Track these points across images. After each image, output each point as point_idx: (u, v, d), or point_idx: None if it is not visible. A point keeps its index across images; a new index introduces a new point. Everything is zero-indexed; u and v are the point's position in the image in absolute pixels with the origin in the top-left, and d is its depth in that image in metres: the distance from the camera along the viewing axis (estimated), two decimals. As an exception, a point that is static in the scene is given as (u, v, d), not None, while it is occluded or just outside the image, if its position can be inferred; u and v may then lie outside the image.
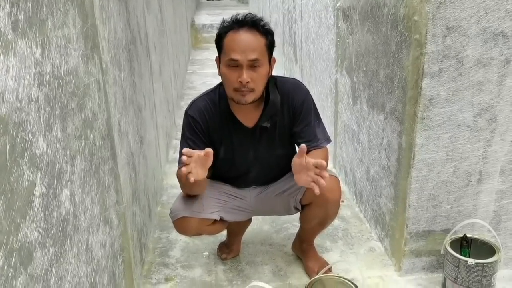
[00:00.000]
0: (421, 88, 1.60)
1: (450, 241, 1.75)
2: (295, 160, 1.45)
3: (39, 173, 0.91)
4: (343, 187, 1.77)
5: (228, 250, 2.05)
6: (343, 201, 1.75)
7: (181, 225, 1.70)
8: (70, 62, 1.12)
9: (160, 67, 3.02)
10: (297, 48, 3.95)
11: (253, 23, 1.53)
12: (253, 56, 1.50)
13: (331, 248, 2.11)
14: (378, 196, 2.10)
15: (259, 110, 1.66)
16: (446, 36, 1.54)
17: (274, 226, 2.29)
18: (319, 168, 1.39)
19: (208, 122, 1.66)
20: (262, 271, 1.96)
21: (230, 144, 1.71)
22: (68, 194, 1.07)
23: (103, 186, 1.37)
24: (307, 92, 1.70)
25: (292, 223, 2.26)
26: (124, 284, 1.58)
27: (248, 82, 1.51)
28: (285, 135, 1.72)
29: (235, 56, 1.50)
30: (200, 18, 8.48)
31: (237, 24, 1.54)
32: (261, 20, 1.56)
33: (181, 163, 1.66)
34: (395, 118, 1.85)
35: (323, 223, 1.80)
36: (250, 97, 1.55)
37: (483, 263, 1.63)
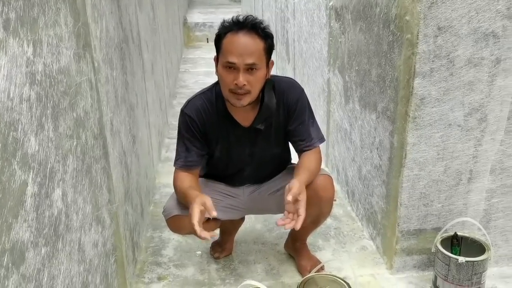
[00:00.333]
0: (412, 88, 1.62)
1: (441, 239, 1.76)
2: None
3: (31, 173, 0.90)
4: (335, 186, 1.78)
5: (220, 249, 2.05)
6: (335, 200, 1.76)
7: (174, 223, 1.70)
8: (62, 61, 1.11)
9: (153, 65, 3.01)
10: (290, 47, 3.96)
11: (253, 26, 1.52)
12: (250, 60, 1.49)
13: (323, 246, 2.12)
14: (370, 195, 2.11)
15: (255, 111, 1.67)
16: (437, 36, 1.55)
17: (267, 225, 2.30)
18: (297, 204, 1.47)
19: (205, 121, 1.66)
20: (255, 270, 1.97)
21: (226, 143, 1.71)
22: (60, 193, 1.06)
23: (96, 185, 1.37)
24: (301, 91, 1.71)
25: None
26: (117, 284, 1.57)
27: (244, 84, 1.51)
28: (280, 134, 1.73)
29: (232, 59, 1.50)
30: (192, 17, 8.45)
31: (237, 25, 1.53)
32: (261, 23, 1.55)
33: (178, 163, 1.66)
34: (387, 117, 1.86)
35: (316, 222, 1.81)
36: (246, 100, 1.55)
37: (473, 261, 1.65)
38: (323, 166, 1.91)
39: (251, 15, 1.58)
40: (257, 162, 1.77)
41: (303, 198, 1.47)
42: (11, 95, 0.83)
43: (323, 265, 1.87)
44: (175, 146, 1.72)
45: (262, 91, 1.63)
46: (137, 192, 2.09)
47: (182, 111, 1.69)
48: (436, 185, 1.76)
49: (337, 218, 2.35)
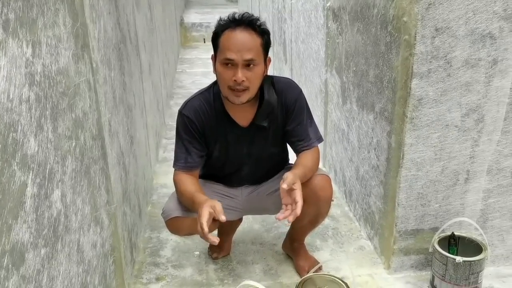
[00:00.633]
0: (410, 89, 1.62)
1: (438, 239, 1.77)
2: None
3: (31, 174, 0.90)
4: (333, 186, 1.79)
5: (219, 250, 2.05)
6: (333, 200, 1.77)
7: (173, 225, 1.70)
8: (60, 61, 1.11)
9: (150, 66, 3.01)
10: (287, 47, 3.96)
11: (250, 23, 1.53)
12: (248, 56, 1.50)
13: (321, 247, 2.13)
14: (368, 195, 2.12)
15: (253, 109, 1.67)
16: (435, 37, 1.56)
17: (265, 225, 2.30)
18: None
19: (203, 121, 1.66)
20: (253, 270, 1.97)
21: (224, 143, 1.71)
22: (59, 194, 1.06)
23: (94, 186, 1.37)
24: (300, 91, 1.71)
25: (282, 222, 2.27)
26: (115, 284, 1.57)
27: (243, 80, 1.51)
28: (278, 134, 1.73)
29: (231, 55, 1.50)
30: (189, 17, 8.44)
31: (233, 23, 1.53)
32: (257, 19, 1.56)
33: (179, 165, 1.66)
34: (384, 118, 1.86)
35: (314, 222, 1.82)
36: (245, 97, 1.55)
37: (470, 261, 1.66)
38: (320, 166, 1.91)
39: (247, 13, 1.59)
40: (254, 161, 1.77)
41: (298, 186, 1.48)
42: (11, 96, 0.83)
43: (321, 265, 1.88)
44: (172, 147, 1.72)
45: (261, 89, 1.63)
46: (135, 193, 2.09)
47: (180, 112, 1.68)
48: (434, 185, 1.77)
49: (334, 218, 2.35)
